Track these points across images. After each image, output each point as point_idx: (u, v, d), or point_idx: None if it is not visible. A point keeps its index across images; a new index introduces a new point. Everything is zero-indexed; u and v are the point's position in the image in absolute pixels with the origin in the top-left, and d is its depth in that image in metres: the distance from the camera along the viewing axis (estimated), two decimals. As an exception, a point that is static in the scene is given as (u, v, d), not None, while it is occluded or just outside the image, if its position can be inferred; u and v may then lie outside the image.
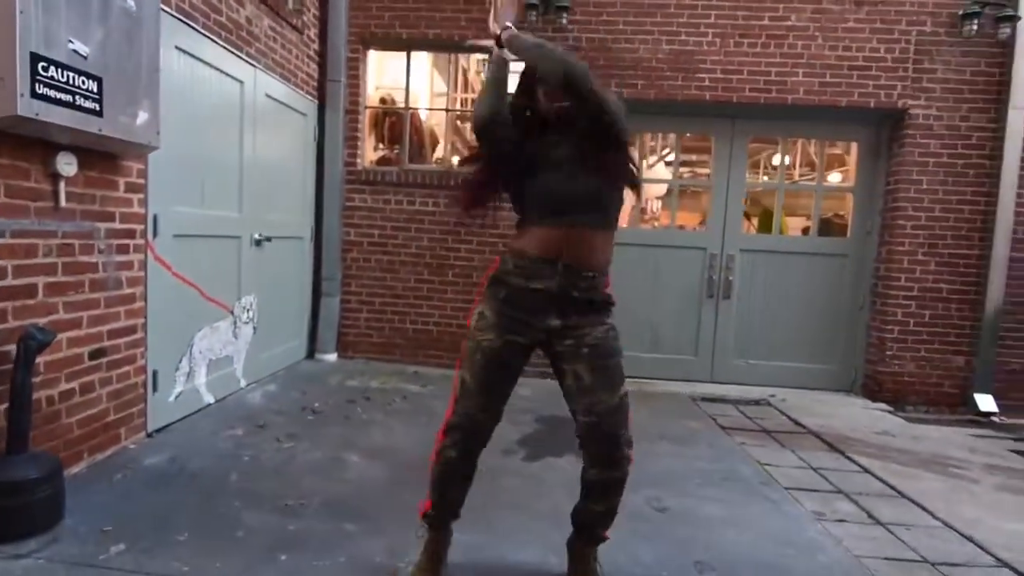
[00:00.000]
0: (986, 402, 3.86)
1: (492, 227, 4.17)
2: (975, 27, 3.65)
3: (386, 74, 4.79)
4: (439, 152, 5.32)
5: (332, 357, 4.25)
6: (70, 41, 1.78)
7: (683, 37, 3.96)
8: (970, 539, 2.13)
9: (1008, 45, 3.68)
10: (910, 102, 3.86)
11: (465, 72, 5.81)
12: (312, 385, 3.57)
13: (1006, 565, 1.96)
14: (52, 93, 1.75)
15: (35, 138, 1.87)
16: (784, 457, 2.91)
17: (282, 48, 3.56)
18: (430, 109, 5.46)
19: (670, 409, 3.61)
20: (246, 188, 3.24)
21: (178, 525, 1.85)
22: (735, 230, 4.27)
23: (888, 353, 4.02)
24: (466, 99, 5.71)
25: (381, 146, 4.80)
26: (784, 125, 4.21)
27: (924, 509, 2.38)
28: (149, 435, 2.55)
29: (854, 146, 4.31)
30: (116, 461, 2.29)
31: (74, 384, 2.12)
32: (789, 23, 3.87)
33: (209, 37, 2.79)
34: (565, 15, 3.85)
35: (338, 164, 4.18)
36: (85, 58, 1.84)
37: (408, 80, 4.32)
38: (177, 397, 2.75)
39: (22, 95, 1.66)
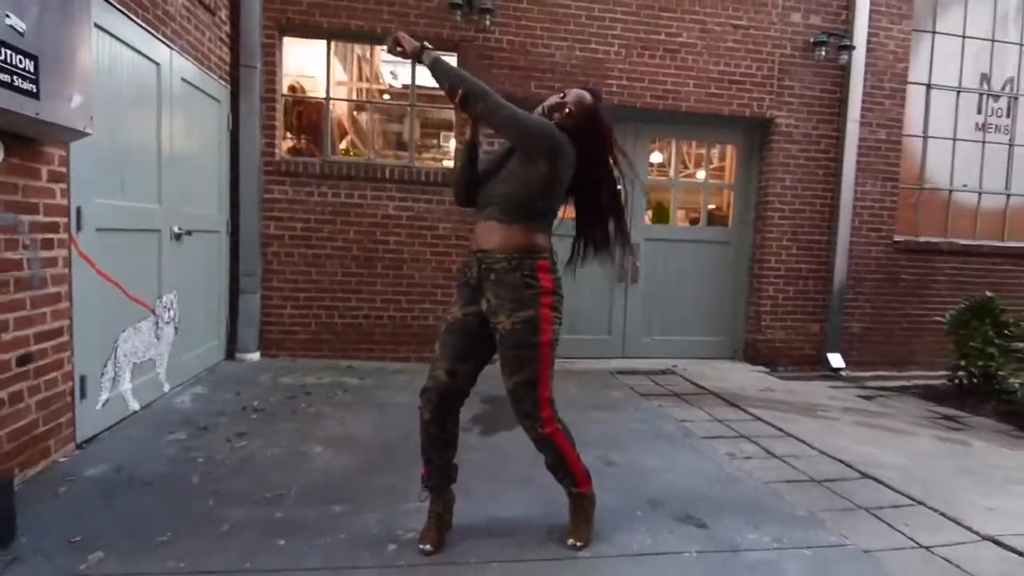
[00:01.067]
0: (836, 360, 4.77)
1: (420, 219, 4.28)
2: (823, 53, 4.47)
3: (289, 60, 4.60)
4: (344, 144, 5.22)
5: (255, 356, 4.06)
6: (7, 16, 1.62)
7: (593, 45, 4.34)
8: (841, 461, 2.73)
9: (846, 69, 4.56)
10: (776, 113, 4.61)
11: (363, 61, 5.71)
12: (243, 385, 3.42)
13: (867, 476, 2.57)
14: (-13, 73, 1.59)
15: (-42, 121, 1.68)
16: (695, 414, 3.41)
17: (195, 29, 3.33)
18: (352, 100, 5.35)
19: (596, 383, 4.00)
20: (165, 178, 3.02)
21: (155, 528, 1.78)
22: (639, 221, 4.78)
23: (763, 324, 4.79)
24: (363, 89, 5.61)
25: (289, 135, 4.62)
26: (678, 129, 4.79)
27: (805, 443, 2.97)
28: (79, 446, 2.34)
29: (730, 148, 5.03)
30: (51, 475, 2.09)
31: (2, 394, 1.91)
32: (681, 39, 4.42)
33: (126, 14, 2.57)
34: (488, 17, 4.03)
35: (255, 154, 3.99)
36: (22, 35, 1.68)
37: (328, 70, 4.23)
38: (104, 404, 2.53)
39: (-46, 74, 1.50)
